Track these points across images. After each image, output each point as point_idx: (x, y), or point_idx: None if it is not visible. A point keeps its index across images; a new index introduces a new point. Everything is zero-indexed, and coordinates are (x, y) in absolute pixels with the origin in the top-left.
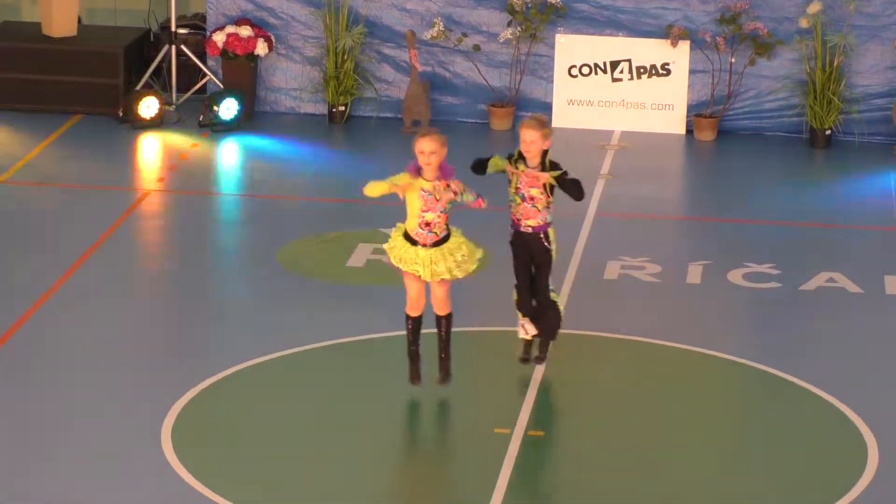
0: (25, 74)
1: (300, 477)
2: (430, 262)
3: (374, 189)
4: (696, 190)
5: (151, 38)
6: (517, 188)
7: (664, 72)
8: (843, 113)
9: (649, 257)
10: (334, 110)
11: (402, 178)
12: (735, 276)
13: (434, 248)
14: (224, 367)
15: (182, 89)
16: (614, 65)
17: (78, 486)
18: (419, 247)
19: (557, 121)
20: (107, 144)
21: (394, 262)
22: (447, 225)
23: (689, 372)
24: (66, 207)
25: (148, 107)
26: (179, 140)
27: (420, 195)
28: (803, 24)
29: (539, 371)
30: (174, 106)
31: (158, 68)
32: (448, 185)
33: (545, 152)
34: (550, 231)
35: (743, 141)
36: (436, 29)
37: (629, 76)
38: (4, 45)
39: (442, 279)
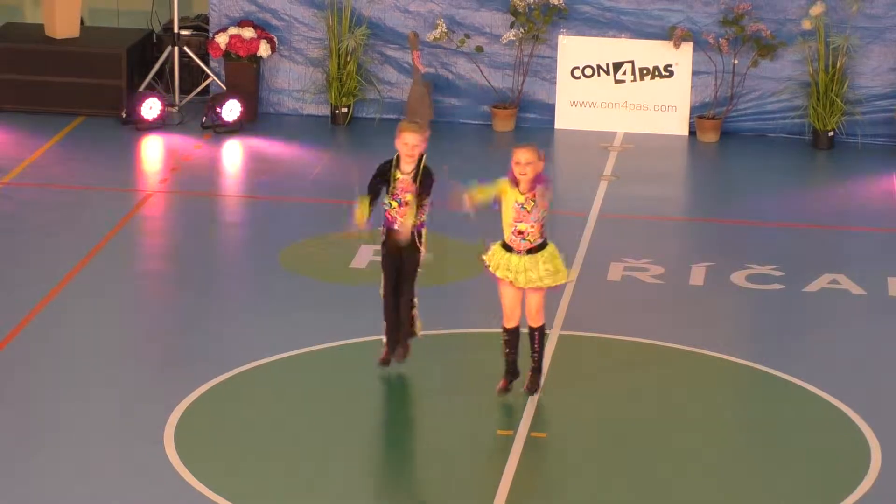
0: (28, 76)
1: (302, 478)
2: (523, 269)
3: (478, 195)
4: (699, 191)
5: (154, 40)
6: (394, 193)
7: (667, 73)
8: (846, 114)
9: (652, 259)
10: (337, 112)
11: (502, 185)
12: (738, 278)
13: (528, 256)
14: (227, 368)
15: (185, 91)
16: (617, 66)
17: (80, 486)
18: (514, 254)
19: (560, 122)
20: (109, 146)
21: (491, 268)
22: (542, 234)
23: (692, 374)
24: (68, 209)
25: (151, 108)
26: (182, 142)
27: (514, 206)
28: (806, 25)
29: (542, 373)
30: (177, 107)
31: (161, 70)
32: (544, 194)
33: (422, 156)
34: (424, 232)
35: (746, 142)
36: (438, 30)
37: (632, 77)
38: (7, 46)
39: (536, 287)
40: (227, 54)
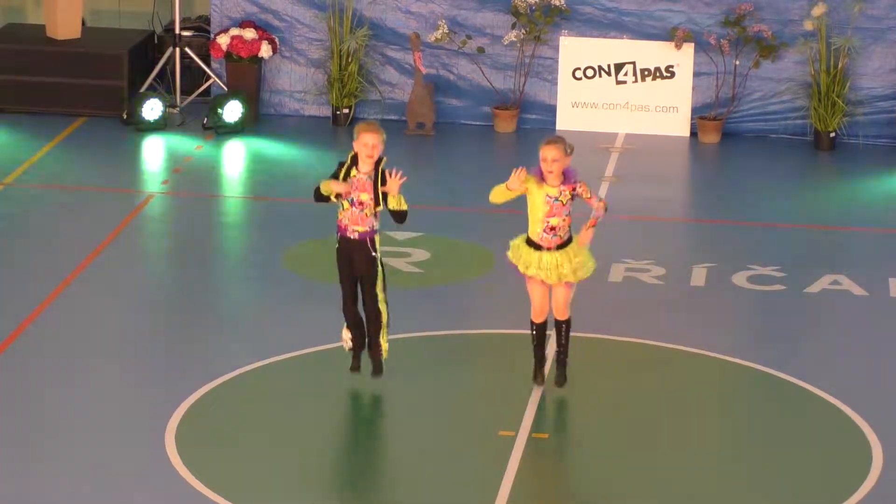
0: (30, 77)
1: (303, 479)
2: (555, 266)
3: (500, 195)
4: (700, 192)
5: (155, 41)
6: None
7: (668, 74)
8: (848, 115)
9: (654, 260)
10: (338, 113)
11: (529, 181)
12: (739, 279)
13: (558, 252)
14: (229, 369)
15: (186, 92)
16: (618, 67)
17: (81, 487)
18: (544, 251)
19: (562, 123)
20: (111, 147)
21: (521, 268)
22: (570, 228)
23: (693, 375)
24: (70, 210)
25: (152, 109)
26: (184, 143)
27: (545, 200)
28: (808, 26)
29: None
30: (178, 108)
31: (162, 71)
32: (574, 189)
33: (380, 159)
34: (377, 238)
35: (747, 143)
36: (440, 31)
37: (633, 78)
38: (9, 47)
39: (567, 282)
40: (228, 55)
